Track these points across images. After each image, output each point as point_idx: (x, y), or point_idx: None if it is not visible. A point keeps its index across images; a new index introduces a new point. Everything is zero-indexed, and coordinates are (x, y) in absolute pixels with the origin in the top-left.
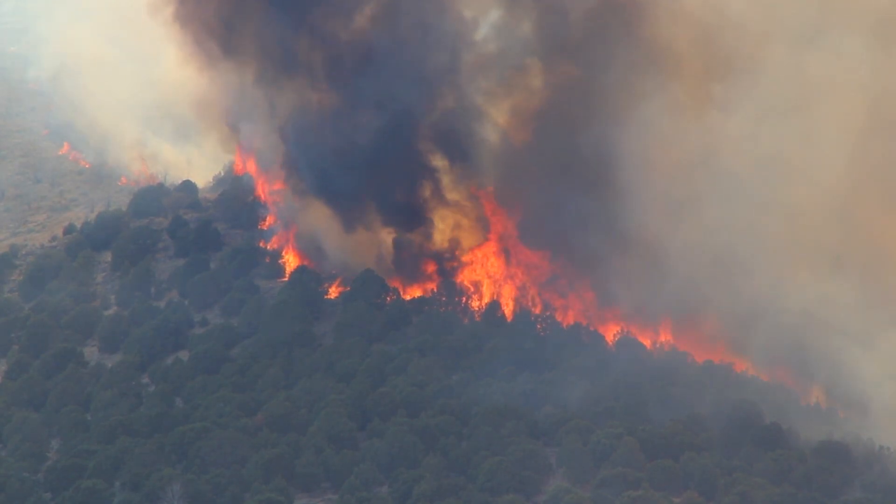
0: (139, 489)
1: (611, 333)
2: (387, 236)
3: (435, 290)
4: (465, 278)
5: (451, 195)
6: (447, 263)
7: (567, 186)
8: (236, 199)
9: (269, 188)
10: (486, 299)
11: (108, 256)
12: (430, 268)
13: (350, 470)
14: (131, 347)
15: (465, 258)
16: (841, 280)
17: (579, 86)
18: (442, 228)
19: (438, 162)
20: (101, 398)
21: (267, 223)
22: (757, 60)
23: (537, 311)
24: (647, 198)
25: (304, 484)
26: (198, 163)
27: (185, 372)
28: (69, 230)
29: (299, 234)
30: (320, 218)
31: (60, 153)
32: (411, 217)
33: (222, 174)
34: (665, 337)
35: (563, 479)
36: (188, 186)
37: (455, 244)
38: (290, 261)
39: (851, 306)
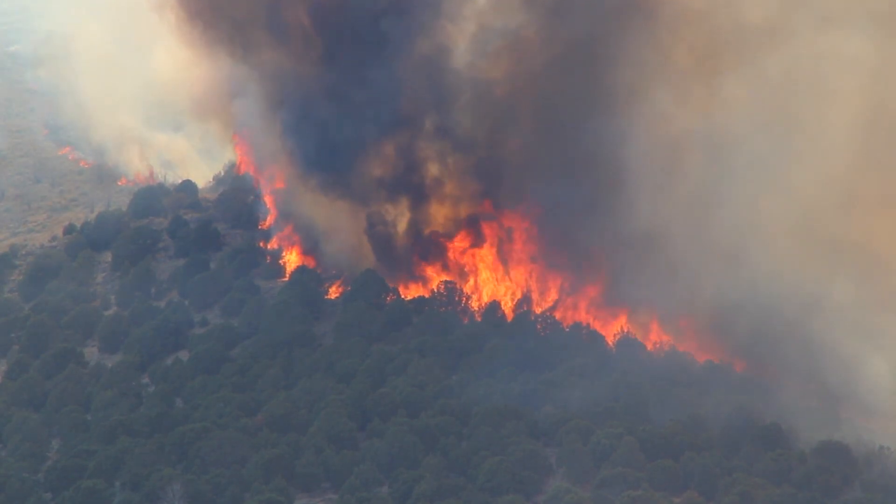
0: (139, 489)
1: (611, 333)
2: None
3: (434, 289)
4: (451, 265)
5: (446, 180)
6: (432, 245)
7: (567, 176)
8: (236, 199)
9: (268, 180)
10: (482, 290)
11: (108, 256)
12: (413, 250)
13: (350, 470)
14: (131, 347)
15: (457, 246)
16: (846, 276)
17: (581, 72)
18: (437, 210)
19: (432, 142)
20: (101, 398)
21: (267, 223)
22: (764, 51)
23: (537, 310)
24: (649, 190)
25: (304, 484)
26: (198, 161)
27: (185, 372)
28: (69, 230)
29: (297, 218)
30: (319, 203)
31: (60, 153)
32: (406, 195)
33: (222, 174)
34: (666, 335)
35: (563, 479)
36: (188, 186)
37: (451, 226)
38: (291, 259)
39: (854, 304)
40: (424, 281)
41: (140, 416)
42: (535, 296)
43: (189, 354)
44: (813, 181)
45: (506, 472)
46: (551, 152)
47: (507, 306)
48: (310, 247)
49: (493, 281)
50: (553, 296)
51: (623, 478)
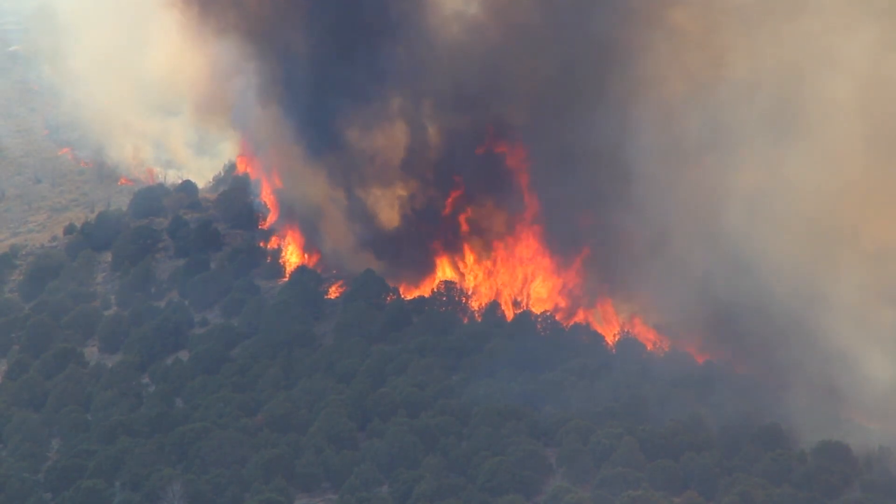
0: (139, 489)
1: (611, 334)
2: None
3: (434, 289)
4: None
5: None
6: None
7: (572, 171)
8: (236, 199)
9: (267, 169)
10: (480, 287)
11: (108, 256)
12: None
13: (350, 470)
14: (131, 347)
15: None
16: (849, 275)
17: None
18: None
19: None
20: (101, 398)
21: (267, 223)
22: (769, 49)
23: (537, 310)
24: (652, 187)
25: (304, 484)
26: (199, 160)
27: (185, 372)
28: (69, 230)
29: (297, 203)
30: (318, 188)
31: (60, 153)
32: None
33: (222, 174)
34: (668, 335)
35: (563, 479)
36: (188, 186)
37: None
38: (291, 260)
39: (857, 303)
40: (425, 259)
41: (140, 416)
42: (537, 293)
43: (189, 354)
44: (819, 179)
45: (506, 472)
46: (552, 144)
47: (506, 303)
48: (308, 235)
49: (487, 268)
50: (554, 294)
51: (623, 478)
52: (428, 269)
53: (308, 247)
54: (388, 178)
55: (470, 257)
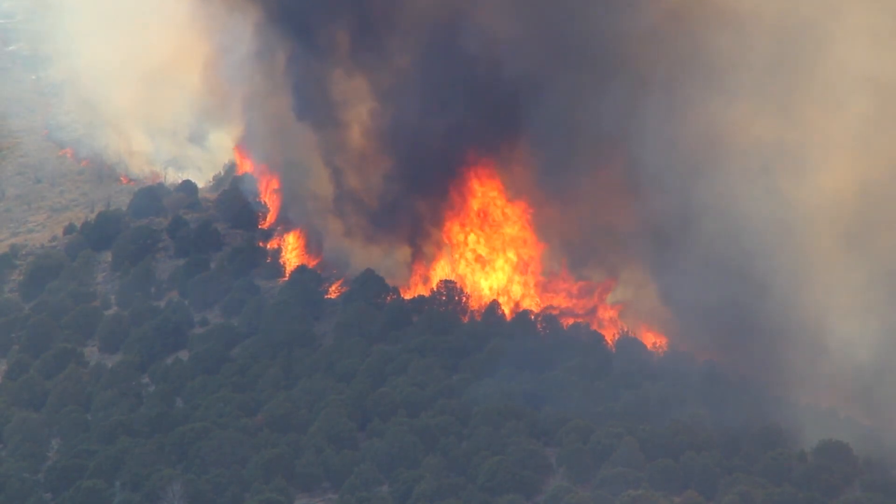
0: (139, 489)
1: (611, 333)
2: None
3: (434, 288)
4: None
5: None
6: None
7: (574, 156)
8: (236, 199)
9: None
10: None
11: (108, 256)
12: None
13: (350, 470)
14: (131, 347)
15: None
16: (854, 277)
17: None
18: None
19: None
20: (101, 398)
21: (267, 223)
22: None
23: (536, 308)
24: (659, 184)
25: (304, 484)
26: (199, 159)
27: (185, 372)
28: (69, 230)
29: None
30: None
31: (60, 153)
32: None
33: (222, 174)
34: (669, 334)
35: (563, 479)
36: (188, 186)
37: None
38: (290, 260)
39: (859, 304)
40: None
41: (140, 416)
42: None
43: (189, 354)
44: (823, 177)
45: (506, 472)
46: (557, 131)
47: (507, 304)
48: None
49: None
50: (554, 291)
51: (623, 478)
52: (424, 259)
53: (303, 232)
54: (383, 153)
55: (467, 250)
